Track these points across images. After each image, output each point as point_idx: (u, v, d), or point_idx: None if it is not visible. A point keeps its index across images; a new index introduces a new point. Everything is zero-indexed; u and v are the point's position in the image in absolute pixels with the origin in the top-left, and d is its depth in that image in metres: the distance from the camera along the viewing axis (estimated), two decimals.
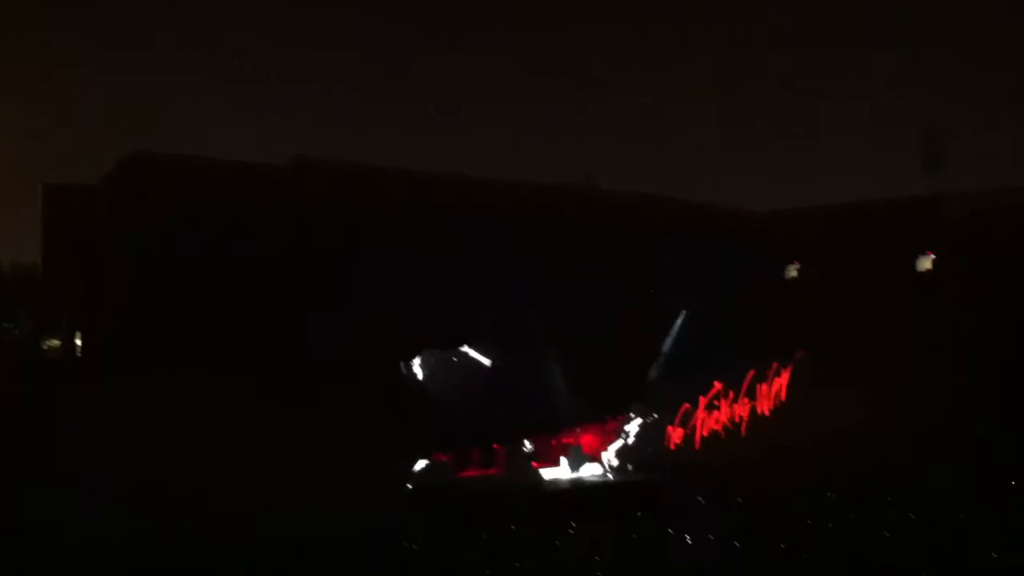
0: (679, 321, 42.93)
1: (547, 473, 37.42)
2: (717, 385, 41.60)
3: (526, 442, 37.73)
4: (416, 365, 36.51)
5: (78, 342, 33.35)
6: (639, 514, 28.86)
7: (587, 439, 39.44)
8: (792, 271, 46.35)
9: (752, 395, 42.87)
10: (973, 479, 32.53)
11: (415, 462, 34.44)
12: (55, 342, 34.89)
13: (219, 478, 28.03)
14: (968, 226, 46.87)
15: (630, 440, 39.37)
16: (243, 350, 31.27)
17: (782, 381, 43.95)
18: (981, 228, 46.32)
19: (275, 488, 28.51)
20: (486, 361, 37.77)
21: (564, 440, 38.95)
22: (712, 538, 24.86)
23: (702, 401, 41.14)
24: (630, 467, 38.81)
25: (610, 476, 38.18)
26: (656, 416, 39.86)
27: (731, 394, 42.13)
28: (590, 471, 38.17)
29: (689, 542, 25.23)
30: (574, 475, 37.75)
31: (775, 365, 43.81)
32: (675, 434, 40.29)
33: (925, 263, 47.13)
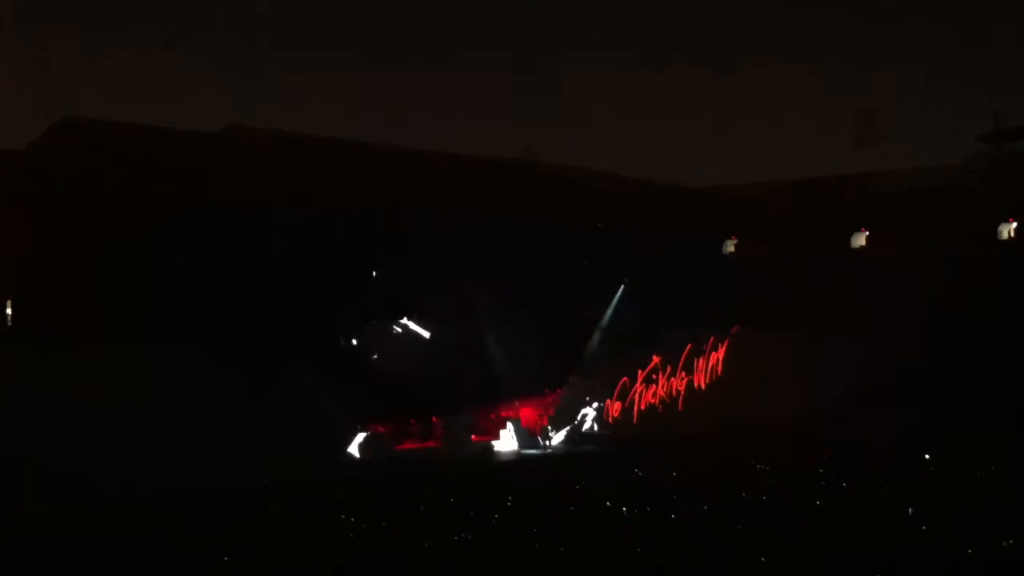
0: (617, 294, 43.02)
1: (485, 445, 37.46)
2: (655, 359, 41.89)
3: (465, 415, 37.71)
4: (354, 337, 36.24)
5: (8, 312, 32.54)
6: (577, 487, 28.87)
7: (526, 412, 39.53)
8: (730, 246, 46.70)
9: (689, 369, 43.27)
10: (906, 445, 33.28)
11: (352, 434, 34.22)
12: None
13: (147, 455, 27.72)
14: (901, 203, 47.85)
15: (568, 413, 39.52)
16: (174, 323, 30.73)
17: (719, 355, 44.39)
18: (913, 205, 47.29)
19: (206, 463, 28.22)
20: (425, 333, 37.60)
21: (503, 413, 39.01)
22: (650, 510, 24.93)
23: (640, 375, 41.43)
24: (568, 440, 38.97)
25: (548, 449, 38.30)
26: (594, 389, 40.04)
27: (668, 368, 42.47)
28: (528, 444, 38.25)
29: (626, 514, 25.30)
30: (513, 448, 37.83)
31: (712, 339, 44.22)
32: (613, 408, 40.55)
33: (860, 239, 47.88)
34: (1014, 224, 46.44)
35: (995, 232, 47.49)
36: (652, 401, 41.68)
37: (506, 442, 37.82)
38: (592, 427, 39.99)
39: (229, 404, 30.19)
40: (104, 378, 28.53)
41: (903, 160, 55.22)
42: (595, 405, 40.18)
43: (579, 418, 39.78)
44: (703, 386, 43.45)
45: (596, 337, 42.72)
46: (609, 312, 42.98)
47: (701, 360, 43.66)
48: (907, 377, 42.30)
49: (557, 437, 38.92)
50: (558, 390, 40.19)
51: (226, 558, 19.97)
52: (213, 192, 33.10)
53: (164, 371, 29.32)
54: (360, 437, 34.36)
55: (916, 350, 43.19)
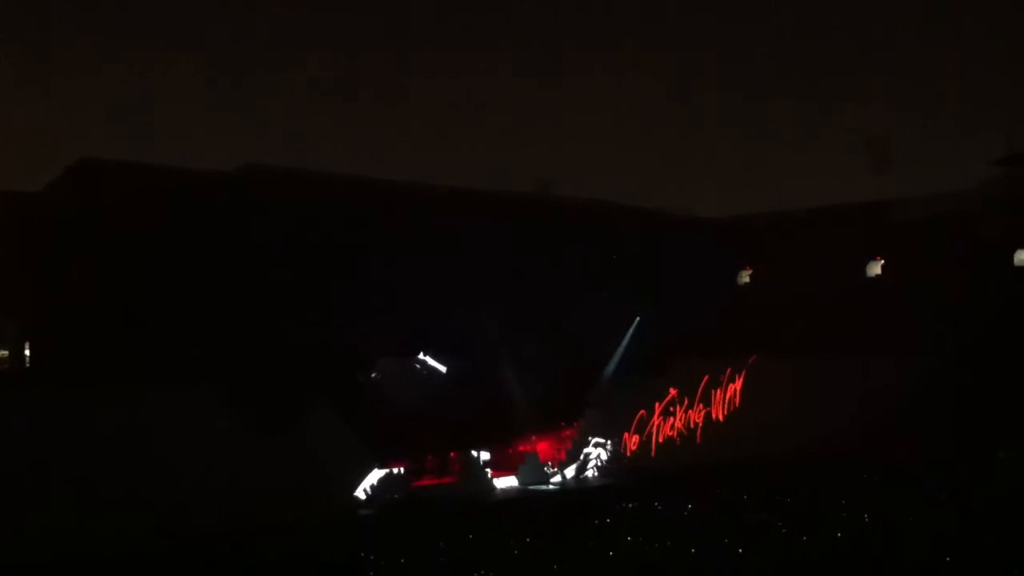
0: (633, 327, 42.94)
1: (503, 481, 37.31)
2: (672, 391, 41.74)
3: (482, 450, 37.61)
4: (371, 372, 36.24)
5: (27, 352, 32.76)
6: (596, 522, 28.73)
7: (543, 447, 39.42)
8: (745, 276, 46.58)
9: (707, 401, 43.08)
10: (923, 479, 33.03)
11: (369, 471, 34.15)
12: (3, 352, 34.26)
13: (169, 488, 27.77)
14: (916, 231, 47.57)
15: (586, 447, 39.38)
16: (194, 360, 30.81)
17: (736, 386, 44.20)
18: (929, 232, 47.01)
19: (227, 499, 28.26)
20: (442, 368, 37.59)
21: (520, 448, 38.89)
22: (669, 544, 24.79)
23: (657, 407, 41.28)
24: (586, 474, 38.82)
25: (566, 484, 38.12)
26: (611, 423, 39.91)
27: (686, 400, 42.30)
28: (545, 478, 38.08)
29: (646, 549, 25.14)
30: (530, 483, 37.66)
31: (729, 371, 44.05)
32: (631, 441, 40.40)
33: (875, 268, 47.65)
34: None
35: (1011, 257, 47.12)
36: (670, 434, 41.49)
37: (523, 477, 37.66)
38: (609, 461, 39.77)
39: (247, 443, 30.16)
40: (120, 418, 28.56)
41: (918, 187, 55.00)
42: (612, 438, 40.00)
43: (595, 452, 39.57)
44: (721, 418, 43.23)
45: (612, 370, 42.60)
46: (625, 344, 42.88)
47: (719, 391, 43.47)
48: (924, 406, 41.83)
49: (573, 471, 38.74)
50: (575, 424, 40.02)
51: None
52: (230, 231, 33.33)
53: (181, 412, 29.27)
54: (377, 474, 34.25)
55: (936, 378, 42.76)
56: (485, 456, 37.67)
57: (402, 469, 35.16)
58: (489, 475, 37.14)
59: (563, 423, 40.02)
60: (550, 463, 38.75)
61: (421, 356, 37.53)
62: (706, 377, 42.83)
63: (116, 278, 31.08)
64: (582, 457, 39.35)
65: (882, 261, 47.47)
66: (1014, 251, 46.75)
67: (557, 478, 38.39)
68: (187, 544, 25.79)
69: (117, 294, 30.95)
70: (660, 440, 40.96)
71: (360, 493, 33.52)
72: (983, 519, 26.52)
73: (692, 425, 42.21)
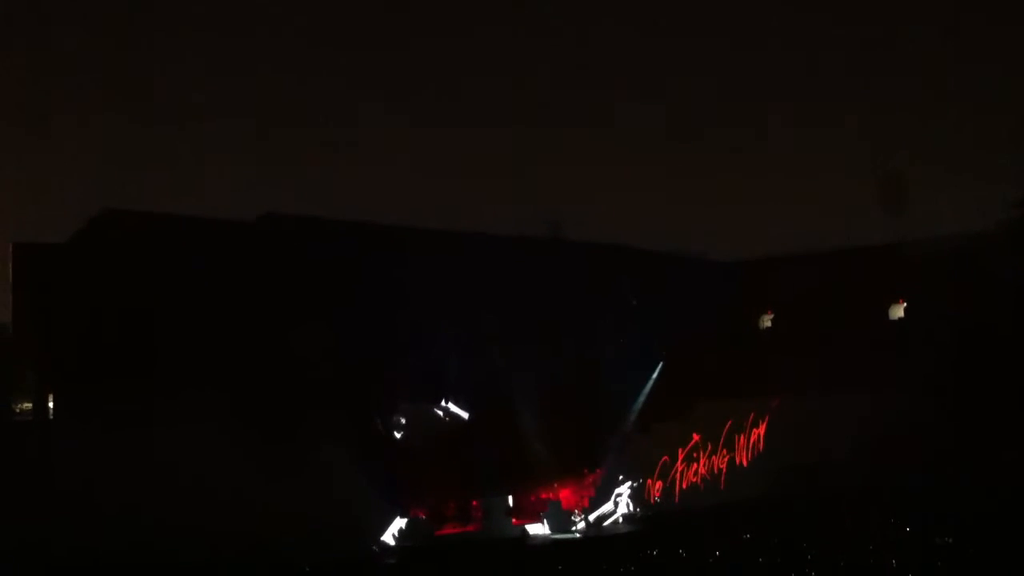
0: (655, 372, 42.72)
1: (526, 529, 36.98)
2: (695, 436, 41.44)
3: (504, 497, 37.32)
4: (392, 420, 36.12)
5: (51, 404, 32.82)
6: (621, 570, 28.39)
7: (566, 494, 39.09)
8: (766, 320, 46.43)
9: (730, 446, 42.74)
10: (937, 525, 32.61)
11: (392, 519, 33.93)
12: (27, 404, 34.39)
13: (194, 536, 27.70)
14: (934, 271, 47.40)
15: (609, 494, 39.05)
16: (217, 409, 30.76)
17: (760, 431, 43.85)
18: (948, 272, 46.82)
19: (247, 546, 28.13)
20: (464, 414, 37.45)
21: (543, 495, 38.58)
22: None
23: (680, 453, 40.97)
24: (610, 521, 38.46)
25: (590, 531, 37.76)
26: (634, 469, 39.59)
27: (709, 446, 41.98)
28: (569, 526, 37.74)
29: None
30: (553, 530, 37.33)
31: (752, 415, 43.72)
32: (655, 487, 40.06)
33: (898, 311, 47.44)
34: None
35: None
36: (693, 480, 41.13)
37: (548, 524, 37.33)
38: (633, 507, 39.41)
39: (269, 490, 30.04)
40: (140, 462, 28.68)
41: (935, 227, 54.82)
42: (634, 484, 39.67)
43: (618, 498, 39.23)
44: (745, 463, 42.85)
45: (634, 416, 42.35)
46: (646, 391, 42.64)
47: (742, 437, 43.13)
48: (945, 445, 41.37)
49: (597, 518, 38.39)
50: (597, 470, 39.71)
51: None
52: (249, 279, 33.48)
53: (204, 457, 29.22)
54: (400, 522, 34.02)
55: (956, 418, 42.38)
56: (508, 503, 37.34)
57: (424, 516, 34.91)
58: (512, 523, 36.79)
59: (586, 469, 39.68)
60: (575, 510, 38.40)
61: (443, 403, 37.39)
62: (729, 422, 42.51)
63: (138, 327, 31.21)
64: (610, 503, 38.96)
65: (904, 304, 47.27)
66: None
67: (581, 525, 38.00)
68: None
69: (138, 343, 31.06)
70: (684, 487, 40.56)
71: (384, 541, 33.29)
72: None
73: (716, 471, 41.82)
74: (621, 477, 39.31)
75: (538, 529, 37.19)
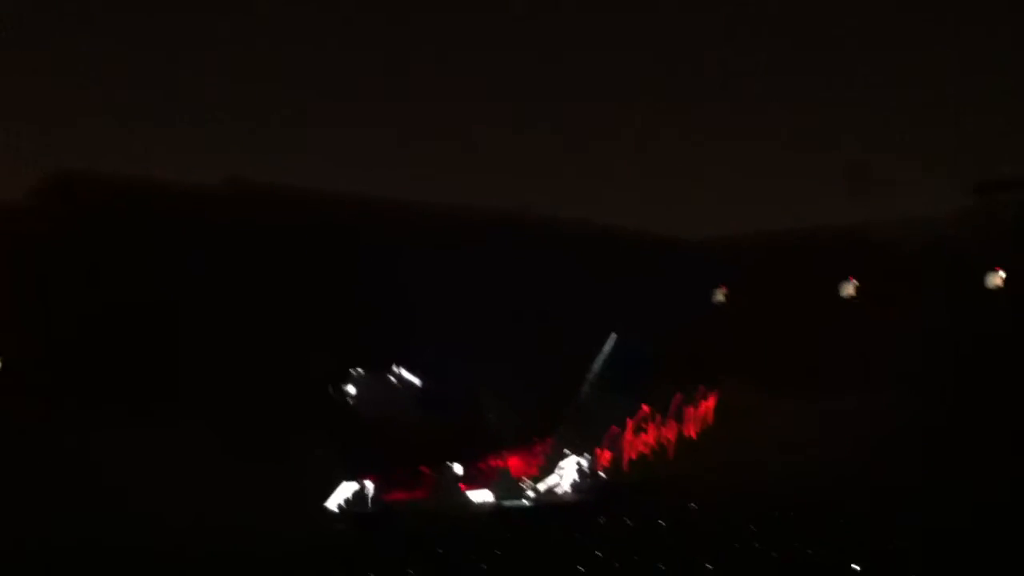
0: (608, 345, 43.24)
1: (475, 496, 37.46)
2: (645, 408, 42.02)
3: (454, 465, 37.75)
4: (343, 387, 36.35)
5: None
6: (567, 536, 28.95)
7: (515, 462, 39.54)
8: (720, 296, 47.00)
9: (679, 418, 43.38)
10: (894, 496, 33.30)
11: (342, 485, 34.29)
12: None
13: (144, 495, 27.85)
14: (890, 253, 48.08)
15: (558, 462, 39.60)
16: (173, 370, 30.98)
17: (709, 404, 44.53)
18: (901, 255, 47.52)
19: (199, 509, 28.43)
20: (417, 381, 37.72)
21: (492, 463, 39.03)
22: (637, 559, 25.05)
23: (630, 424, 41.55)
24: (558, 489, 39.02)
25: (538, 498, 38.30)
26: (584, 439, 40.13)
27: (658, 417, 42.59)
28: (518, 493, 38.27)
29: (617, 564, 25.39)
30: (502, 498, 37.83)
31: (702, 388, 44.35)
32: (603, 456, 40.64)
33: (848, 288, 48.09)
34: (1001, 273, 46.58)
35: (983, 281, 47.59)
36: (642, 450, 41.78)
37: (496, 491, 37.82)
38: (582, 476, 40.00)
39: (216, 458, 30.26)
40: (91, 438, 28.65)
41: (895, 211, 55.39)
42: (585, 454, 40.24)
43: (568, 467, 39.79)
44: (693, 435, 43.55)
45: (586, 387, 42.89)
46: (599, 363, 43.16)
47: (691, 409, 43.80)
48: (899, 427, 42.04)
49: (545, 486, 38.95)
50: (547, 439, 40.23)
51: None
52: (210, 245, 33.45)
53: (153, 430, 29.34)
54: (348, 488, 34.37)
55: (909, 402, 43.01)
56: (458, 470, 37.79)
57: (374, 483, 35.29)
58: (461, 489, 37.28)
59: (536, 438, 40.20)
60: (523, 478, 38.93)
61: (396, 369, 37.65)
62: (679, 395, 43.15)
63: (93, 288, 31.12)
64: (567, 469, 39.49)
65: (855, 283, 47.90)
66: (987, 274, 47.24)
67: (530, 493, 38.55)
68: (158, 556, 25.80)
69: (93, 304, 30.99)
70: (633, 456, 41.21)
71: (332, 507, 33.62)
72: None
73: (664, 442, 42.49)
74: (566, 451, 39.82)
75: (485, 496, 37.65)
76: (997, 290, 46.91)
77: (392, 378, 37.59)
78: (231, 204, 35.78)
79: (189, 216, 33.85)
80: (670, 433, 42.71)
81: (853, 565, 23.34)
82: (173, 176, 36.79)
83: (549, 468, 39.58)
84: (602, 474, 40.35)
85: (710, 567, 24.10)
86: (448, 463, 37.41)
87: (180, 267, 32.32)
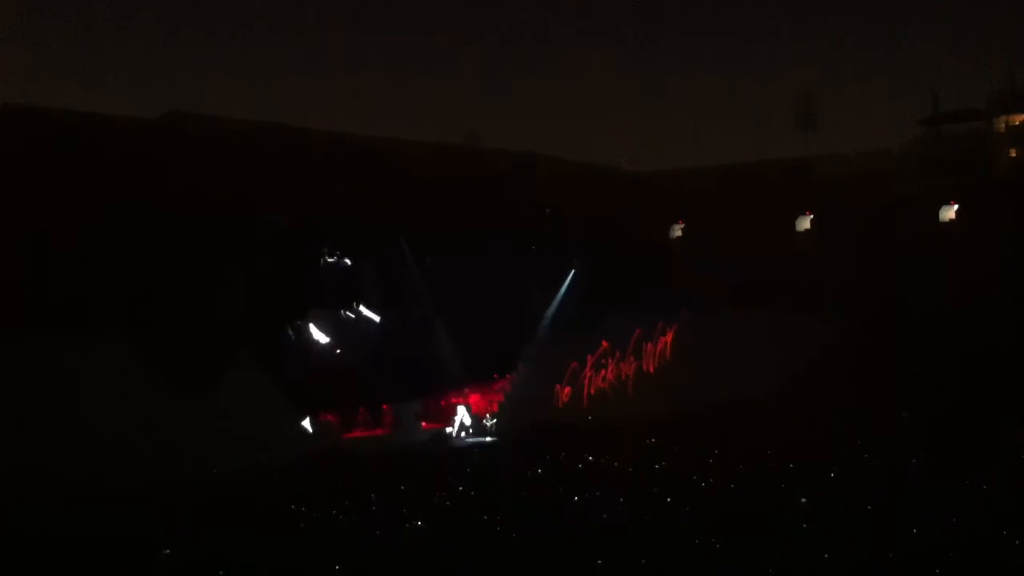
0: (566, 280, 42.98)
1: (436, 433, 37.31)
2: (604, 344, 41.98)
3: (414, 402, 37.52)
4: (302, 324, 35.80)
5: None
6: (527, 473, 28.85)
7: (475, 399, 39.45)
8: (677, 231, 46.89)
9: (638, 354, 43.42)
10: (850, 431, 33.63)
11: (300, 423, 33.90)
12: None
13: (93, 450, 27.26)
14: (842, 187, 48.27)
15: (517, 399, 39.50)
16: (123, 313, 30.18)
17: (667, 340, 44.57)
18: (854, 189, 47.73)
19: (159, 450, 27.96)
20: (375, 318, 37.28)
21: (452, 400, 38.85)
22: (599, 495, 24.97)
23: (589, 360, 41.51)
24: (518, 426, 38.94)
25: (498, 435, 38.23)
26: (543, 375, 40.06)
27: (617, 353, 42.58)
28: (478, 430, 38.16)
29: (576, 500, 25.31)
30: (462, 435, 37.71)
31: (660, 324, 44.37)
32: (563, 392, 40.63)
33: (804, 223, 48.25)
34: (955, 207, 46.84)
35: (936, 214, 47.87)
36: (602, 386, 41.79)
37: (455, 429, 37.69)
38: (540, 412, 39.92)
39: (174, 395, 29.75)
40: (44, 371, 27.95)
41: (845, 144, 55.74)
42: (543, 391, 40.18)
43: (527, 403, 39.70)
44: (652, 370, 43.62)
45: (545, 323, 42.68)
46: (558, 298, 42.93)
47: (649, 345, 43.82)
48: (848, 362, 42.38)
49: (506, 423, 38.84)
50: (507, 376, 40.08)
51: (167, 551, 19.82)
52: (153, 180, 32.45)
53: (108, 364, 28.69)
54: (308, 426, 34.00)
55: (858, 335, 43.41)
56: (418, 407, 37.57)
57: (334, 420, 34.95)
58: (421, 427, 37.09)
59: (496, 375, 40.04)
60: (484, 415, 38.82)
61: (355, 306, 37.14)
62: (638, 330, 43.11)
63: (32, 225, 30.08)
64: (525, 405, 39.37)
65: (811, 216, 48.06)
66: (937, 208, 47.56)
67: (492, 429, 38.42)
68: (119, 496, 25.31)
69: (32, 241, 30.00)
70: (592, 392, 41.21)
71: (290, 445, 33.22)
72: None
73: (623, 377, 42.51)
74: (530, 381, 39.71)
75: (446, 433, 37.52)
76: (950, 223, 47.30)
77: (351, 315, 36.99)
78: (173, 137, 34.72)
79: (132, 148, 32.76)
80: (629, 369, 42.76)
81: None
82: (113, 110, 35.70)
83: (509, 404, 39.51)
84: (562, 409, 40.34)
85: (669, 500, 24.15)
86: (408, 400, 37.21)
87: (124, 201, 31.29)
